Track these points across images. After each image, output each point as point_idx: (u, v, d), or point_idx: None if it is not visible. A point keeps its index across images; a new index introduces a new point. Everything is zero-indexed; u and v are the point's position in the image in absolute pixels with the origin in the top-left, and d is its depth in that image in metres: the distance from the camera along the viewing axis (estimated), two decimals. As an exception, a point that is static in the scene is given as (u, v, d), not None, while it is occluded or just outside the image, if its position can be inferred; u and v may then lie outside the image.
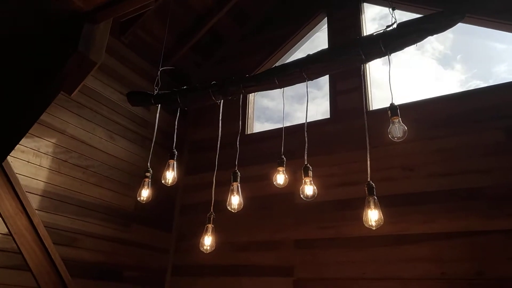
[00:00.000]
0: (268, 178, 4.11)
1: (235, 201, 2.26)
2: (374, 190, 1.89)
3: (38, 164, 3.22)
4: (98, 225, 3.63)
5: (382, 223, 1.87)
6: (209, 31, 4.84)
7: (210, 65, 5.25)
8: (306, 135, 2.26)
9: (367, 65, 3.99)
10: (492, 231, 2.89)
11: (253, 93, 4.77)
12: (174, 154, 2.52)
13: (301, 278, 3.55)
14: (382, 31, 1.77)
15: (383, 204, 3.34)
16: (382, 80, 5.03)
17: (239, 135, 2.76)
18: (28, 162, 3.17)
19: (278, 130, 4.33)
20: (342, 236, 3.46)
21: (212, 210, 2.43)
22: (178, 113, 2.68)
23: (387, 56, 1.81)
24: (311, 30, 4.69)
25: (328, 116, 4.01)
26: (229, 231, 4.08)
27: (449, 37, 4.67)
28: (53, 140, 3.38)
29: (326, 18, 4.53)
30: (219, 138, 2.72)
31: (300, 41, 4.78)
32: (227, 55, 5.16)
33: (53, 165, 3.33)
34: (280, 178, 2.24)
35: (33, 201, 3.09)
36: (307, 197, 2.10)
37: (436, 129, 3.35)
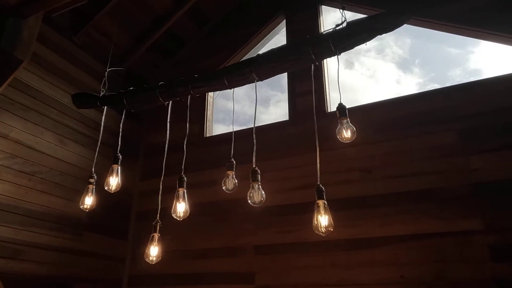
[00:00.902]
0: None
1: (180, 208, 2.16)
2: (324, 194, 1.84)
3: (-23, 171, 2.99)
4: (46, 235, 3.41)
5: (332, 229, 1.82)
6: (167, 32, 4.71)
7: (168, 66, 5.11)
8: (254, 137, 2.20)
9: (325, 66, 4.00)
10: (446, 233, 2.93)
11: (211, 94, 4.68)
12: (118, 159, 2.39)
13: (262, 285, 3.48)
14: (331, 30, 1.73)
15: (341, 207, 3.37)
16: (344, 82, 5.07)
17: (186, 137, 2.62)
18: (-35, 169, 2.93)
19: (237, 132, 4.26)
20: (302, 240, 3.42)
21: (158, 218, 2.31)
22: (124, 115, 2.55)
23: (337, 56, 1.76)
24: (270, 32, 4.66)
25: (287, 118, 3.97)
26: (187, 238, 3.96)
27: (407, 42, 4.75)
28: (-4, 146, 3.15)
29: (285, 21, 4.51)
30: (167, 142, 2.60)
31: (261, 43, 4.74)
32: (186, 56, 5.05)
33: (-7, 173, 3.10)
34: (230, 183, 2.15)
35: (-29, 211, 2.87)
36: (254, 203, 2.02)
37: (393, 130, 3.38)
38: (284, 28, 4.51)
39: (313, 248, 3.35)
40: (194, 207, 4.08)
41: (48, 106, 3.66)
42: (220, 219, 3.87)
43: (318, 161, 1.95)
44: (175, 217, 2.23)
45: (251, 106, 2.25)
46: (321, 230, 1.79)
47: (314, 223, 1.83)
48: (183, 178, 2.25)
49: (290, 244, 3.47)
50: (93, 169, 2.56)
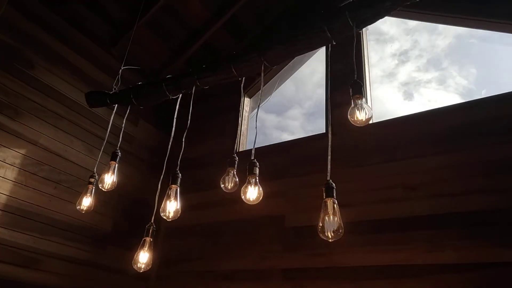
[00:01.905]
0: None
1: (171, 207, 1.92)
2: (334, 192, 1.52)
3: (2, 175, 2.98)
4: (66, 246, 3.31)
5: (342, 234, 1.49)
6: (204, 45, 4.65)
7: (211, 81, 5.02)
8: (256, 126, 1.91)
9: (367, 71, 3.67)
10: (510, 263, 2.41)
11: (246, 109, 4.49)
12: (117, 155, 2.22)
13: (290, 314, 3.10)
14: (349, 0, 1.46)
15: (381, 229, 2.95)
16: (383, 97, 4.64)
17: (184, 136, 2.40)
18: (-10, 172, 2.93)
19: (271, 147, 4.01)
20: (336, 265, 3.02)
21: (152, 221, 2.08)
22: (128, 111, 2.39)
23: (354, 31, 1.48)
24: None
25: (324, 131, 3.66)
26: (213, 258, 3.70)
27: (473, 72, 4.30)
28: (22, 151, 3.15)
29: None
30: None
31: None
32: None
33: (19, 178, 3.08)
34: (230, 181, 1.89)
35: (-8, 215, 2.84)
36: (248, 200, 1.74)
37: (443, 142, 2.94)
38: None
39: (348, 274, 2.93)
40: (222, 226, 3.88)
41: (81, 116, 3.66)
42: (248, 239, 3.58)
43: (329, 150, 1.64)
44: (164, 217, 1.99)
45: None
46: (328, 234, 1.47)
47: (320, 226, 1.51)
48: (177, 174, 2.02)
49: (322, 269, 3.07)
50: (95, 169, 2.42)
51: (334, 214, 1.49)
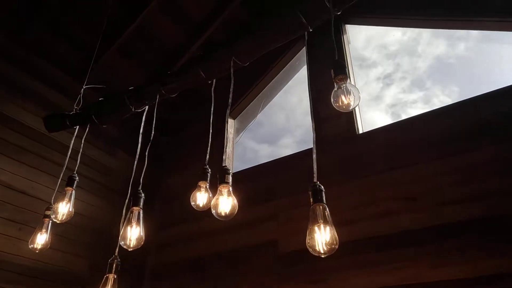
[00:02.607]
0: (244, 226, 3.45)
1: (133, 234, 1.63)
2: (324, 195, 1.26)
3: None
4: (38, 295, 2.96)
5: (337, 247, 1.22)
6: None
7: (188, 108, 4.80)
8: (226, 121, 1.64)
9: (353, 82, 3.46)
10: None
11: (231, 130, 4.25)
12: (74, 180, 1.98)
13: None
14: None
15: (383, 247, 2.64)
16: (372, 120, 4.49)
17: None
18: None
19: (257, 168, 3.74)
20: (338, 291, 2.69)
21: (116, 254, 1.78)
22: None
23: (332, 17, 1.25)
24: (291, 60, 4.25)
25: (309, 143, 3.40)
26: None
27: (455, 90, 4.25)
28: (-10, 194, 2.84)
29: (305, 47, 4.10)
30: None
31: (282, 72, 4.33)
32: (204, 94, 4.72)
33: (-15, 223, 2.77)
34: (201, 197, 1.61)
35: None
36: (220, 215, 1.46)
37: (445, 145, 2.69)
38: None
39: (352, 301, 2.61)
40: (211, 258, 3.55)
41: (48, 148, 3.38)
42: (239, 271, 3.24)
43: (314, 141, 1.38)
44: (124, 246, 1.69)
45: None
46: (321, 249, 1.19)
47: (308, 239, 1.23)
48: (140, 194, 1.74)
49: (322, 298, 2.74)
50: (52, 199, 2.13)
51: (325, 223, 1.21)
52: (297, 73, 4.50)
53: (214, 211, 1.49)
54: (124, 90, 1.91)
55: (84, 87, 2.35)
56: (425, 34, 4.35)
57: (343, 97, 1.41)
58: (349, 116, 3.28)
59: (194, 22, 3.96)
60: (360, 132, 3.20)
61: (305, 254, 2.89)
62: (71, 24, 3.69)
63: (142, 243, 1.68)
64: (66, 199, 1.96)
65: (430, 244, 2.43)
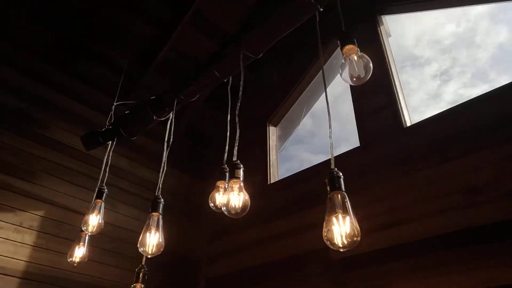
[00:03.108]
0: (295, 234, 3.35)
1: (153, 240, 1.59)
2: (342, 182, 1.16)
3: (20, 241, 2.80)
4: (96, 311, 3.03)
5: (359, 239, 1.10)
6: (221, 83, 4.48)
7: (231, 119, 4.81)
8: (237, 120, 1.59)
9: (394, 73, 3.29)
10: None
11: (273, 138, 4.19)
12: (103, 192, 1.96)
13: None
14: None
15: (443, 246, 2.42)
16: (415, 90, 4.24)
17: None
18: (7, 239, 2.76)
19: (304, 173, 3.63)
20: (401, 296, 2.51)
21: (143, 263, 1.75)
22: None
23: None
24: (329, 59, 4.14)
25: (358, 144, 3.26)
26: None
27: None
28: (40, 213, 2.98)
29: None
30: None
31: (320, 73, 4.23)
32: (245, 105, 4.71)
33: (38, 241, 2.90)
34: (220, 198, 1.53)
35: (11, 285, 2.63)
36: (230, 212, 1.38)
37: (502, 129, 2.46)
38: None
39: (417, 307, 2.41)
40: (264, 268, 3.47)
41: (98, 169, 3.49)
42: (293, 277, 3.13)
43: (330, 136, 1.29)
44: (143, 252, 1.66)
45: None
46: (340, 243, 1.08)
47: (325, 231, 1.13)
48: (159, 199, 1.71)
49: (384, 304, 2.57)
50: (104, 183, 2.19)
51: (345, 212, 1.11)
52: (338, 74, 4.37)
53: (224, 208, 1.42)
54: (146, 100, 1.92)
55: (115, 103, 2.41)
56: (482, 22, 4.06)
57: (352, 69, 1.30)
58: (395, 109, 3.11)
59: (226, 33, 3.99)
60: (408, 124, 3.01)
61: (360, 259, 2.76)
62: (109, 49, 3.85)
63: (162, 249, 1.65)
64: (96, 211, 1.99)
65: (503, 241, 2.20)
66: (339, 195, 1.15)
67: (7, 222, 2.80)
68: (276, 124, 4.35)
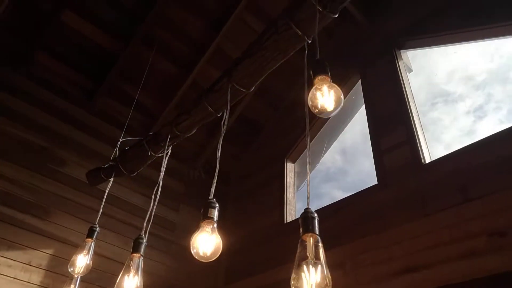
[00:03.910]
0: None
1: (130, 285, 1.50)
2: (316, 224, 1.05)
3: (26, 280, 2.80)
4: None
5: None
6: (240, 118, 4.49)
7: (249, 155, 4.78)
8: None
9: (413, 107, 3.15)
10: None
11: (291, 175, 4.07)
12: (94, 231, 1.90)
13: None
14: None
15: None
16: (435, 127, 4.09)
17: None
18: (15, 278, 2.77)
19: (322, 211, 3.46)
20: None
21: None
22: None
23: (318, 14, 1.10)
24: (347, 95, 4.06)
25: (376, 182, 3.09)
26: None
27: None
28: (50, 251, 2.99)
29: (360, 79, 3.90)
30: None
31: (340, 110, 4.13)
32: (264, 141, 4.68)
33: (45, 281, 2.89)
34: (206, 242, 1.40)
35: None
36: (198, 255, 1.27)
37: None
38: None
39: None
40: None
41: (114, 207, 3.52)
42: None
43: (308, 138, 1.17)
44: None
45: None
46: None
47: (293, 278, 1.01)
48: (141, 238, 1.63)
49: None
50: (97, 221, 2.14)
51: (317, 258, 0.99)
52: (360, 109, 4.27)
53: (193, 250, 1.32)
54: (144, 136, 1.91)
55: (120, 140, 2.43)
56: None
57: (320, 98, 1.21)
58: (413, 145, 2.95)
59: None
60: (427, 161, 2.83)
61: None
62: (131, 91, 3.96)
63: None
64: (85, 251, 1.93)
65: (529, 289, 1.96)
66: (311, 238, 1.04)
67: (16, 261, 2.82)
68: (294, 161, 4.25)
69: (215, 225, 1.33)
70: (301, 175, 4.34)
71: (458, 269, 2.26)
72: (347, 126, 4.51)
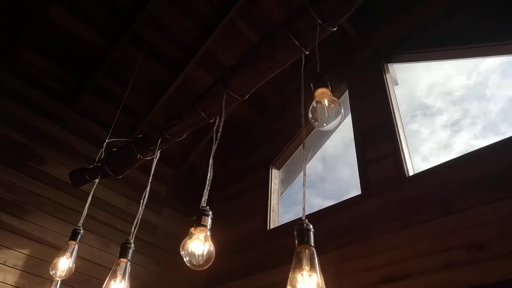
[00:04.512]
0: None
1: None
2: (312, 236, 1.05)
3: (1, 280, 2.72)
4: None
5: None
6: (226, 123, 4.47)
7: (234, 160, 4.77)
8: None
9: (398, 123, 3.20)
10: None
11: (275, 181, 4.08)
12: (78, 233, 1.86)
13: None
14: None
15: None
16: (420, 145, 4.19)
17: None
18: (-11, 278, 2.68)
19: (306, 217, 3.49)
20: None
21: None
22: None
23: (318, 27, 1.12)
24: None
25: (359, 192, 3.13)
26: None
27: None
28: (26, 251, 2.91)
29: (347, 90, 3.95)
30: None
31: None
32: (251, 146, 4.68)
33: (20, 281, 2.80)
34: (195, 246, 1.38)
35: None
36: (191, 263, 1.27)
37: (507, 183, 2.32)
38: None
39: None
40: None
41: (95, 207, 3.44)
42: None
43: (304, 150, 1.18)
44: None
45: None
46: None
47: None
48: (129, 243, 1.60)
49: None
50: (80, 223, 2.09)
51: (312, 270, 1.00)
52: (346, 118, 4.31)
53: (187, 258, 1.30)
54: (133, 138, 1.89)
55: (106, 140, 2.38)
56: (493, 76, 4.12)
57: (321, 114, 1.22)
58: (397, 157, 3.00)
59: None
60: (411, 174, 2.88)
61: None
62: (117, 91, 3.90)
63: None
64: (68, 254, 1.88)
65: (505, 303, 2.01)
66: (307, 250, 1.04)
67: (-8, 260, 2.73)
68: (280, 167, 4.27)
69: (208, 233, 1.32)
70: (285, 182, 4.36)
71: (437, 280, 2.31)
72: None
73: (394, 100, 3.44)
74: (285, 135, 4.27)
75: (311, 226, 1.08)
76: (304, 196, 1.16)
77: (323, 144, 4.58)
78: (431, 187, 2.67)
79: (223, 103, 1.43)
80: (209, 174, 1.48)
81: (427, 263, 2.41)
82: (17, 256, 2.85)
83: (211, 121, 1.62)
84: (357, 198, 3.11)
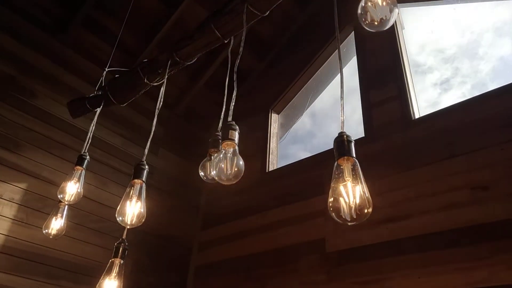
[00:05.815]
0: (290, 223, 3.20)
1: (134, 210, 1.44)
2: (353, 148, 1.00)
3: (-2, 212, 2.68)
4: (76, 291, 2.90)
5: (370, 211, 0.95)
6: (223, 65, 4.32)
7: (234, 103, 4.65)
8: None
9: (406, 64, 3.11)
10: None
11: (274, 125, 4.02)
12: (84, 159, 1.80)
13: None
14: None
15: (448, 243, 2.26)
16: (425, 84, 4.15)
17: None
18: (-15, 210, 2.63)
19: (303, 163, 3.47)
20: (393, 295, 2.36)
21: (124, 237, 1.60)
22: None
23: None
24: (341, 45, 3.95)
25: (363, 135, 3.09)
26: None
27: None
28: (23, 186, 2.85)
29: (353, 33, 3.79)
30: None
31: (328, 62, 4.04)
32: (249, 90, 4.55)
33: (19, 215, 2.77)
34: (229, 165, 1.30)
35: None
36: (221, 178, 1.24)
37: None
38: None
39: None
40: (255, 258, 3.33)
41: (90, 145, 3.35)
42: (286, 269, 2.99)
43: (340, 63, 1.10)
44: (121, 223, 1.51)
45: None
46: (348, 216, 0.93)
47: (330, 201, 0.97)
48: (143, 165, 1.54)
49: (377, 302, 2.42)
50: (85, 150, 2.05)
51: (355, 181, 0.95)
52: (348, 63, 4.18)
53: (214, 172, 1.25)
54: (138, 62, 1.77)
55: (106, 69, 2.24)
56: (487, 35, 4.01)
57: (373, 11, 1.13)
58: (404, 100, 2.94)
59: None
60: (417, 117, 2.84)
61: (356, 253, 2.61)
62: (110, 25, 3.68)
63: (143, 220, 1.49)
64: (75, 179, 1.83)
65: (507, 240, 2.04)
66: (349, 161, 0.98)
67: (-13, 193, 2.67)
68: (279, 111, 4.19)
69: (236, 147, 1.25)
70: (284, 126, 4.30)
71: (438, 219, 2.33)
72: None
73: (402, 44, 3.33)
74: (284, 80, 4.15)
75: (352, 138, 1.02)
76: (342, 108, 1.09)
77: (323, 90, 4.47)
78: (437, 129, 2.64)
79: (244, 17, 1.31)
80: (235, 89, 1.39)
81: (428, 203, 2.42)
82: (13, 189, 2.79)
83: (225, 41, 1.51)
84: (360, 140, 3.07)
